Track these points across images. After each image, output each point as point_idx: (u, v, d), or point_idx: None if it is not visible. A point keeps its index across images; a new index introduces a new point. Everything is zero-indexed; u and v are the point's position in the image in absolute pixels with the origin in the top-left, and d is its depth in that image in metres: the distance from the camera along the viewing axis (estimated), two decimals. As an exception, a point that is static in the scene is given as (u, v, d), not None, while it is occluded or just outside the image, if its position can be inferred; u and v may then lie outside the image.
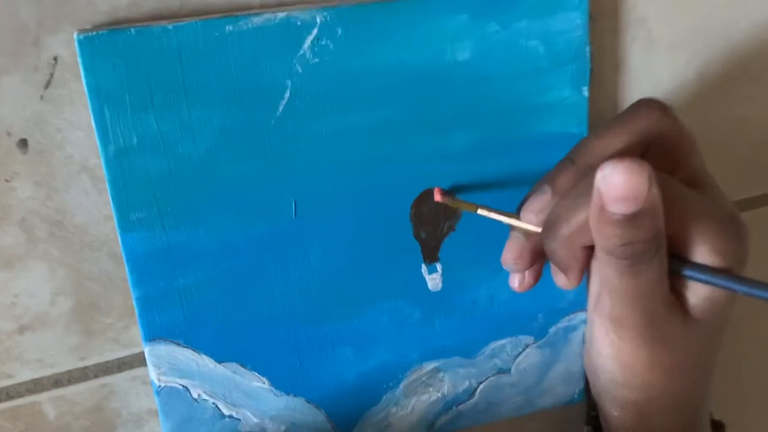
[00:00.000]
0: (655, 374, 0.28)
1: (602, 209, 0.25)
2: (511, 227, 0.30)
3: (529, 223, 0.29)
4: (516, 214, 0.29)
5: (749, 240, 0.28)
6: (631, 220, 0.24)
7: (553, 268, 0.29)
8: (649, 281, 0.26)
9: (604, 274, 0.27)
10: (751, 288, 0.26)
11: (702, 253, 0.27)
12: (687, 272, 0.27)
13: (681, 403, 0.30)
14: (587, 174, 0.27)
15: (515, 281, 0.30)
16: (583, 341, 0.37)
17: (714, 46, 0.36)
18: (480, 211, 0.30)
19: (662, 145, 0.28)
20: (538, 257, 0.30)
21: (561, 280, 0.29)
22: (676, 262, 0.27)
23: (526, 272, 0.30)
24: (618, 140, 0.28)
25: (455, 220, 0.33)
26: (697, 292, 0.28)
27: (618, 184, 0.24)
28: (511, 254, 0.30)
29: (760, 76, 0.37)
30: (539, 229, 0.28)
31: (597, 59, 0.33)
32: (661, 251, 0.26)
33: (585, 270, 0.28)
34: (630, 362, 0.28)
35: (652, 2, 0.34)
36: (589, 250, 0.27)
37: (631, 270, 0.26)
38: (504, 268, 0.30)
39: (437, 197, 0.31)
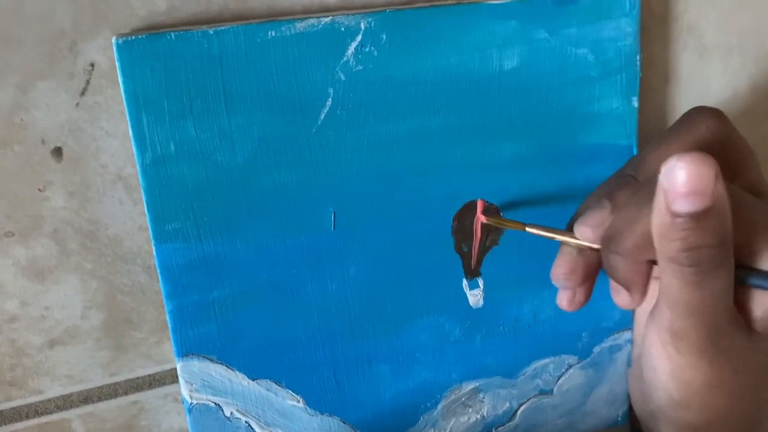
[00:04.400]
0: (716, 394, 0.27)
1: (666, 210, 0.23)
2: (561, 243, 0.29)
3: (585, 238, 0.27)
4: (568, 231, 0.28)
5: None
6: (697, 220, 0.23)
7: (614, 286, 0.27)
8: (714, 293, 0.24)
9: (665, 285, 0.25)
10: None
11: None
12: (754, 281, 0.25)
13: (741, 426, 0.28)
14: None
15: (564, 299, 0.29)
16: (628, 363, 0.35)
17: (767, 52, 0.34)
18: (528, 229, 0.29)
19: (721, 154, 0.27)
20: (590, 274, 0.28)
21: (623, 299, 0.27)
22: (741, 271, 0.25)
23: (577, 290, 0.29)
24: (677, 151, 0.26)
25: (498, 234, 0.32)
26: (762, 304, 0.26)
27: (683, 177, 0.23)
28: (562, 269, 0.28)
29: (814, 87, 0.36)
30: (596, 245, 0.27)
31: (646, 68, 0.32)
32: (729, 261, 0.24)
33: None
34: (689, 379, 0.26)
35: (703, 8, 0.33)
36: (653, 266, 0.26)
37: (696, 280, 0.24)
38: (554, 283, 0.29)
39: (482, 218, 0.30)
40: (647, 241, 0.25)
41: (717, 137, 0.27)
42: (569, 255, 0.28)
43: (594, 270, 0.28)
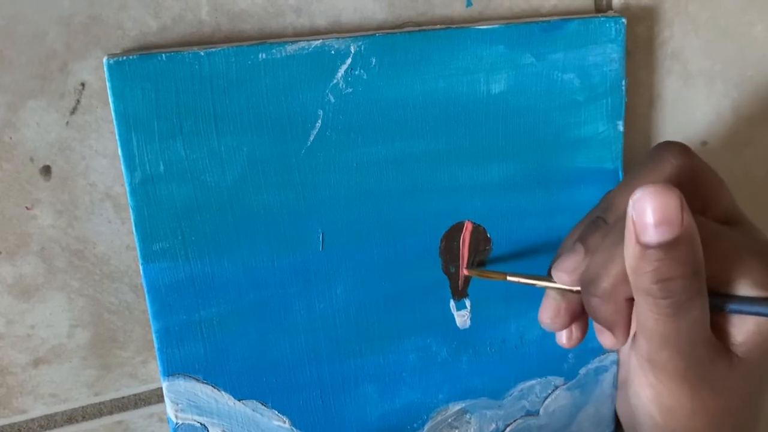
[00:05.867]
0: (698, 419, 0.27)
1: (636, 242, 0.24)
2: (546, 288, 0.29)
3: (562, 282, 0.28)
4: (547, 277, 0.29)
5: None
6: (667, 250, 0.23)
7: (598, 328, 0.28)
8: (689, 324, 0.25)
9: (641, 317, 0.25)
10: None
11: (745, 288, 0.26)
12: (732, 306, 0.26)
13: None
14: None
15: (563, 338, 0.29)
16: (614, 384, 0.35)
17: (751, 78, 0.35)
18: (510, 278, 0.30)
19: (690, 187, 0.27)
20: (576, 315, 0.29)
21: (607, 340, 0.27)
22: (719, 299, 0.26)
23: (573, 327, 0.29)
24: None
25: (485, 255, 0.32)
26: (743, 329, 0.26)
27: (650, 207, 0.23)
28: (547, 314, 0.29)
29: (796, 113, 0.37)
30: (576, 288, 0.27)
31: (631, 93, 0.33)
32: (702, 291, 0.25)
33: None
34: (671, 406, 0.27)
35: (688, 36, 0.33)
36: (633, 303, 0.26)
37: (671, 311, 0.24)
38: (543, 327, 0.29)
39: (464, 271, 0.31)
40: (623, 281, 0.25)
41: (684, 171, 0.27)
42: (553, 299, 0.28)
43: (578, 310, 0.28)
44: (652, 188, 0.23)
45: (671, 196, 0.23)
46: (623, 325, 0.26)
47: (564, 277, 0.27)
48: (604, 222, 0.27)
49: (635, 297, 0.25)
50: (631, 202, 0.23)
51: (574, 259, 0.27)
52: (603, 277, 0.26)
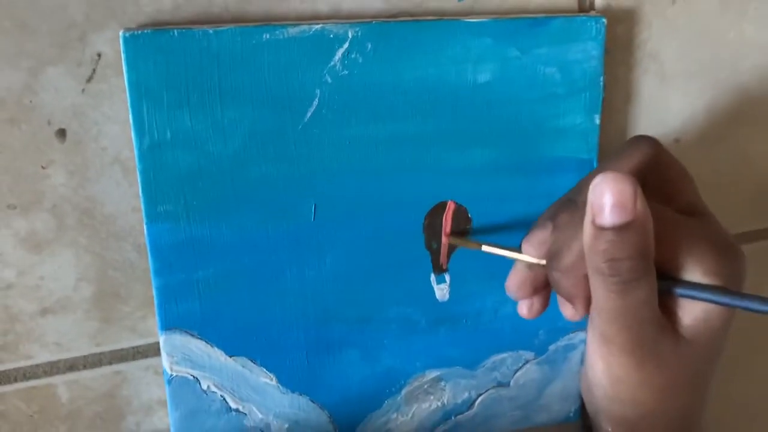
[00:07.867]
0: (645, 392, 0.29)
1: (593, 224, 0.26)
2: (515, 260, 0.31)
3: (530, 255, 0.30)
4: (519, 249, 0.31)
5: (746, 266, 0.29)
6: (619, 232, 0.25)
7: (560, 300, 0.30)
8: (636, 302, 0.27)
9: (593, 293, 0.28)
10: (745, 301, 0.26)
11: (696, 275, 0.28)
12: (679, 290, 0.28)
13: (673, 422, 0.30)
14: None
15: (524, 308, 0.31)
16: (582, 362, 0.38)
17: (723, 81, 0.37)
18: (485, 248, 0.32)
19: (657, 178, 0.30)
20: (541, 287, 0.31)
21: (568, 311, 0.30)
22: (668, 282, 0.28)
23: (534, 299, 0.31)
24: None
25: (465, 234, 0.34)
26: (690, 313, 0.28)
27: (607, 192, 0.25)
28: (513, 283, 0.31)
29: (767, 112, 0.39)
30: (542, 261, 0.30)
31: (609, 89, 0.35)
32: (649, 273, 0.27)
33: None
34: (620, 377, 0.29)
35: (665, 37, 0.36)
36: None
37: (618, 289, 0.26)
38: (508, 295, 0.31)
39: (444, 239, 0.33)
40: (583, 258, 0.27)
41: (652, 162, 0.29)
42: (520, 270, 0.31)
43: (542, 283, 0.31)
44: (611, 175, 0.25)
45: (627, 184, 0.25)
46: (582, 298, 0.29)
47: (531, 249, 0.30)
48: (573, 203, 0.29)
49: (589, 274, 0.27)
50: (591, 186, 0.26)
51: (542, 234, 0.29)
52: (565, 252, 0.28)
